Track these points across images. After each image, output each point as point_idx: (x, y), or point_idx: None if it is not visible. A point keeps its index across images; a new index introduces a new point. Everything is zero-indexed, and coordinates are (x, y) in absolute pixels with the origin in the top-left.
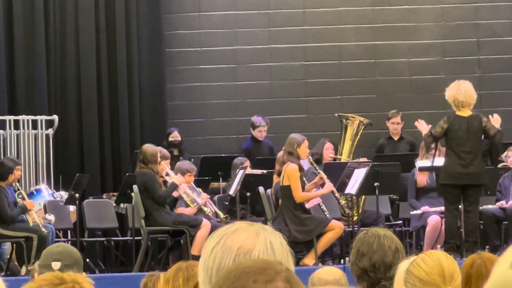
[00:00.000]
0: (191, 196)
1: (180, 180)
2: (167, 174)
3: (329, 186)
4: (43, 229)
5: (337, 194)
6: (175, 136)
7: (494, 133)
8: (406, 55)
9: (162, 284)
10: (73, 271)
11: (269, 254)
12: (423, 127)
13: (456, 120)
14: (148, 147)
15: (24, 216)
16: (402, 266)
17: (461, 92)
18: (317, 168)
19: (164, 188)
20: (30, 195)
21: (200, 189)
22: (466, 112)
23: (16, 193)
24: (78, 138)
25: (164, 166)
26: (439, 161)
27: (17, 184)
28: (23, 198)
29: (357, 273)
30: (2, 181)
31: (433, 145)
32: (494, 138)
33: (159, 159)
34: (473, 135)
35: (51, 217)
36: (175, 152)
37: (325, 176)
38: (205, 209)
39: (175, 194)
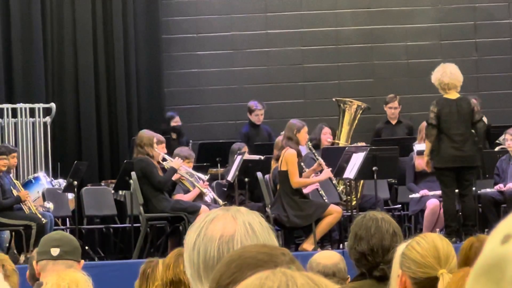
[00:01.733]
0: (190, 180)
1: (178, 164)
2: (164, 160)
3: (326, 173)
4: (42, 218)
5: (334, 181)
6: (177, 121)
7: (477, 119)
8: (403, 39)
9: (162, 271)
10: (72, 258)
11: (251, 236)
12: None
13: (445, 103)
14: (144, 132)
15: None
16: (400, 250)
17: (447, 74)
18: (315, 154)
19: (163, 174)
20: (29, 183)
21: (201, 174)
22: (453, 95)
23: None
24: (75, 125)
25: (159, 152)
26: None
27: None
28: (18, 190)
29: (355, 257)
30: None
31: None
32: (475, 125)
33: (155, 144)
34: (464, 118)
35: (49, 205)
36: (174, 136)
37: (323, 163)
38: (204, 190)
39: (175, 177)
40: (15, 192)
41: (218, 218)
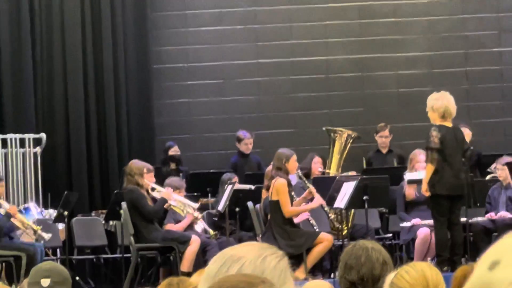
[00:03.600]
0: (183, 206)
1: (169, 194)
2: (153, 189)
3: (318, 200)
4: (37, 238)
5: (326, 208)
6: (176, 150)
7: (466, 148)
8: (394, 68)
9: None
10: None
11: (257, 265)
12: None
13: (447, 131)
14: (134, 162)
15: (14, 233)
16: (389, 279)
17: (451, 103)
18: (306, 182)
19: (153, 203)
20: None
21: (192, 203)
22: (450, 123)
23: None
24: (66, 156)
25: (148, 183)
26: (415, 174)
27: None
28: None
29: (345, 286)
30: None
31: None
32: (465, 153)
33: (145, 174)
34: (459, 146)
35: (47, 236)
36: (172, 166)
37: (314, 190)
38: (195, 214)
39: (166, 206)
40: (2, 211)
41: (248, 244)
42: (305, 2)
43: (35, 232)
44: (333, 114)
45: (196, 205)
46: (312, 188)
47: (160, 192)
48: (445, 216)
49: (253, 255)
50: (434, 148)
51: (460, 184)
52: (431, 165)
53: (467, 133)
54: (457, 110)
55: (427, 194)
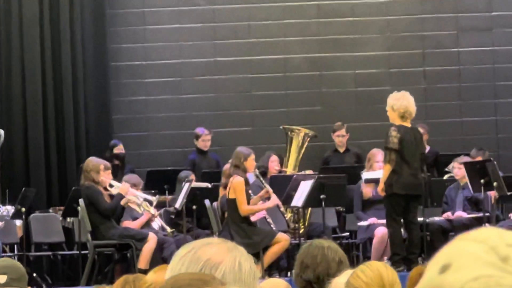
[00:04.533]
0: (140, 202)
1: (125, 189)
2: (111, 186)
3: (274, 200)
4: None
5: (282, 209)
6: (120, 148)
7: (424, 148)
8: (352, 67)
9: None
10: (19, 285)
11: (236, 272)
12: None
13: (405, 130)
14: (91, 159)
15: None
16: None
17: (412, 104)
18: (263, 181)
19: (111, 200)
20: None
21: (148, 196)
22: (409, 124)
23: None
24: (23, 152)
25: (105, 179)
26: (373, 174)
27: None
28: None
29: (301, 285)
30: None
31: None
32: (423, 153)
33: (101, 171)
34: (417, 146)
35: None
36: (116, 163)
37: (271, 190)
38: (152, 211)
39: (122, 202)
40: None
41: (214, 244)
42: (263, 0)
43: None
44: (291, 112)
45: (154, 198)
46: (268, 188)
47: (117, 188)
48: (401, 215)
49: (229, 262)
50: (393, 148)
51: (418, 184)
52: (389, 165)
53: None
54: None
55: (383, 194)
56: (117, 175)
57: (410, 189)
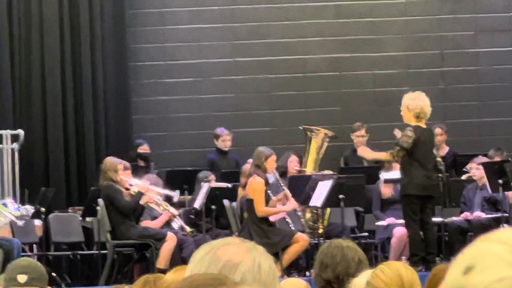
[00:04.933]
0: (160, 200)
1: (145, 187)
2: (131, 185)
3: (292, 204)
4: (18, 222)
5: (300, 212)
6: (145, 148)
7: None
8: (370, 67)
9: None
10: (39, 284)
11: (255, 272)
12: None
13: (421, 131)
14: (109, 158)
15: None
16: (363, 277)
17: (427, 104)
18: (282, 184)
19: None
20: None
21: (169, 192)
22: (424, 124)
23: None
24: (43, 152)
25: (125, 178)
26: (391, 174)
27: None
28: None
29: (320, 285)
30: None
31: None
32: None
33: (120, 170)
34: (432, 147)
35: (21, 223)
36: (142, 164)
37: (289, 194)
38: (172, 211)
39: (143, 200)
40: None
41: (233, 244)
42: (282, 1)
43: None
44: (310, 113)
45: (174, 194)
46: (287, 192)
47: (137, 186)
48: (418, 215)
49: (248, 262)
50: (403, 147)
51: (432, 185)
52: (392, 159)
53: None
54: (433, 110)
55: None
56: (142, 174)
57: (424, 190)
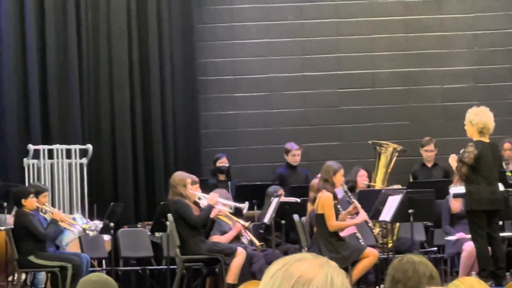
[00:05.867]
0: (229, 213)
1: (214, 200)
2: (200, 199)
3: (362, 216)
4: (90, 233)
5: (370, 224)
6: (224, 161)
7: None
8: (439, 81)
9: None
10: None
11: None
12: (453, 161)
13: (484, 146)
14: (177, 173)
15: (61, 243)
16: None
17: (490, 120)
18: (351, 197)
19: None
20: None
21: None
22: (487, 139)
23: (44, 215)
24: (112, 167)
25: (194, 192)
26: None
27: (45, 207)
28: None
29: None
30: (18, 206)
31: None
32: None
33: (189, 184)
34: (496, 162)
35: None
36: (222, 178)
37: (359, 206)
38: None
39: (213, 214)
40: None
41: (305, 260)
42: (351, 15)
43: (84, 230)
44: (379, 127)
45: (244, 206)
46: (356, 203)
47: (206, 199)
48: (484, 230)
49: (321, 278)
50: (466, 163)
51: (497, 199)
52: (459, 177)
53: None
54: (503, 124)
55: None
56: (222, 188)
57: (489, 204)
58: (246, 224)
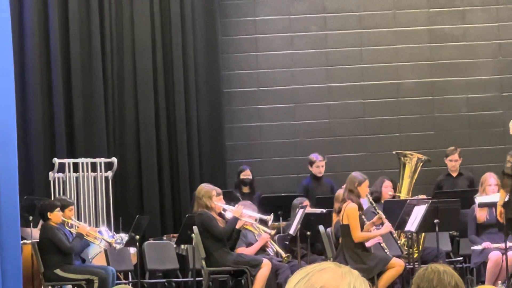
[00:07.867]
0: (256, 225)
1: (239, 211)
2: (225, 210)
3: (387, 227)
4: (116, 246)
5: (395, 235)
6: (247, 174)
7: None
8: (464, 91)
9: None
10: None
11: None
12: None
13: None
14: (203, 185)
15: (86, 256)
16: None
17: None
18: (376, 207)
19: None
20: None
21: (263, 216)
22: None
23: (70, 229)
24: (137, 180)
25: (219, 204)
26: (496, 197)
27: (70, 221)
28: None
29: None
30: (44, 219)
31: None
32: None
33: (214, 196)
34: None
35: (119, 246)
36: (245, 190)
37: (383, 216)
38: (269, 231)
39: (238, 225)
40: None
41: (328, 269)
42: (375, 26)
43: (110, 244)
44: (403, 137)
45: (269, 218)
46: (381, 214)
47: (231, 211)
48: None
49: (344, 287)
50: (506, 173)
51: None
52: (503, 190)
53: None
54: None
55: (501, 219)
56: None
57: None
58: (272, 232)
